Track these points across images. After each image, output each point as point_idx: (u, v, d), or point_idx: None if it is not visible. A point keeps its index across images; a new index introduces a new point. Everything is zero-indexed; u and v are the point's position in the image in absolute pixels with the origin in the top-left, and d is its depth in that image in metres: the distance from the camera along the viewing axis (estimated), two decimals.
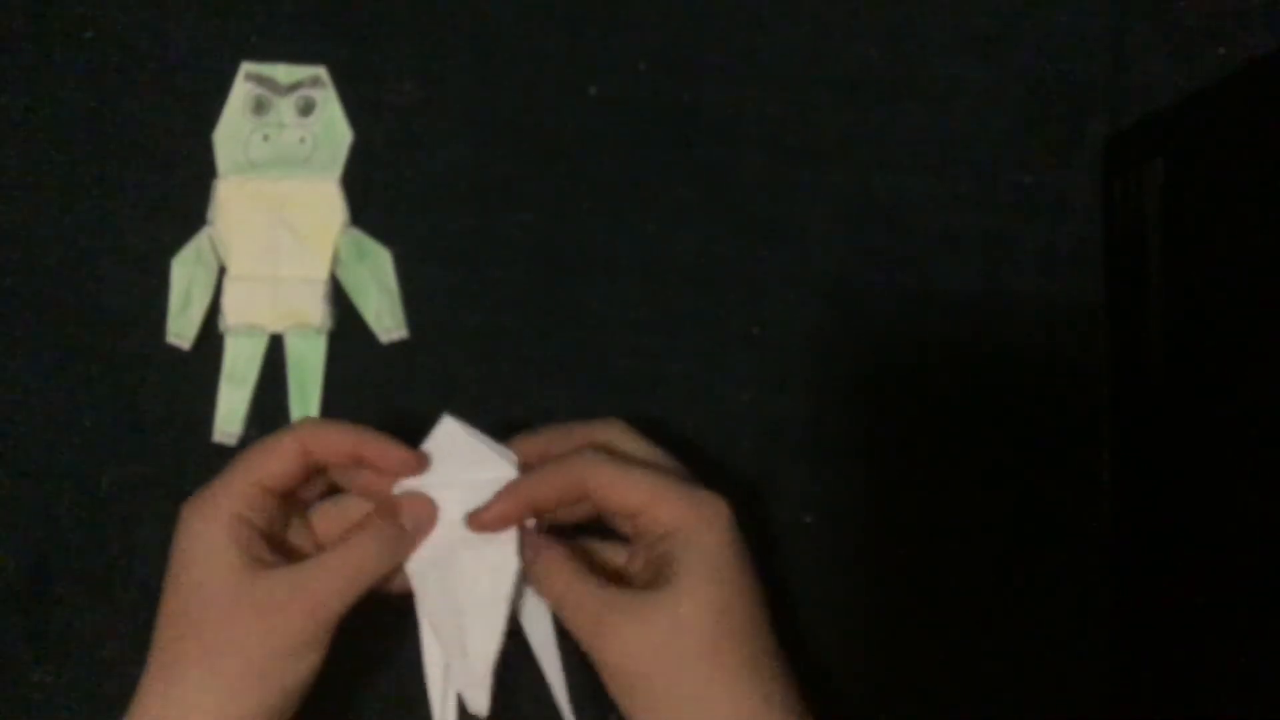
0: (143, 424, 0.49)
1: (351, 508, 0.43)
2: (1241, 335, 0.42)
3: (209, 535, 0.40)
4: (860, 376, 0.50)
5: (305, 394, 0.49)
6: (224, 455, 0.49)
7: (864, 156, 0.51)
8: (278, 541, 0.42)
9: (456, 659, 0.41)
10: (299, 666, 0.39)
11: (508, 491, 0.42)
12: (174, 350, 0.50)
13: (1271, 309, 0.40)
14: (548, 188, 0.51)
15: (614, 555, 0.44)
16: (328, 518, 0.44)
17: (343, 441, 0.41)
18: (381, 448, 0.41)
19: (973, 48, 0.52)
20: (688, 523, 0.40)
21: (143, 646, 0.48)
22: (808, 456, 0.50)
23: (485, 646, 0.41)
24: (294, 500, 0.43)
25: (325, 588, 0.39)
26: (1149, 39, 0.52)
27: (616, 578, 0.42)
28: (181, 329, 0.50)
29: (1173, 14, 0.52)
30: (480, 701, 0.41)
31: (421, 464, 0.42)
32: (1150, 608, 0.47)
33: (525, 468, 0.42)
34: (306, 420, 0.42)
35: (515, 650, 0.43)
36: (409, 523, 0.41)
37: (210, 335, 0.50)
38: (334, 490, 0.44)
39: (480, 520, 0.41)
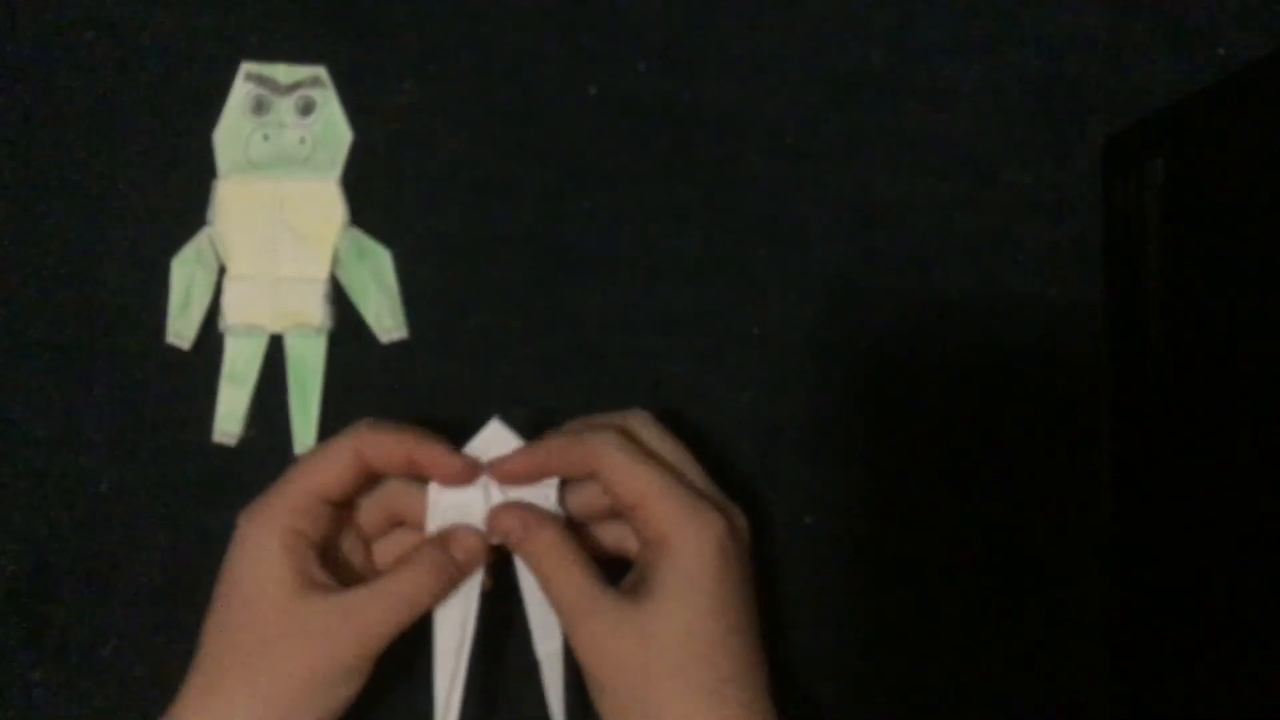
0: (143, 424, 0.49)
1: (405, 540, 0.44)
2: (1241, 335, 0.42)
3: (264, 550, 0.40)
4: (860, 376, 0.50)
5: (305, 394, 0.49)
6: (224, 455, 0.49)
7: (864, 156, 0.51)
8: (330, 553, 0.42)
9: (453, 664, 0.41)
10: (341, 692, 0.39)
11: (527, 451, 0.42)
12: (174, 350, 0.50)
13: (1271, 309, 0.40)
14: (547, 187, 0.51)
15: (608, 535, 0.44)
16: (386, 548, 0.44)
17: (398, 450, 0.41)
18: (435, 457, 0.41)
19: (973, 48, 0.52)
20: (674, 535, 0.39)
21: (143, 646, 0.48)
22: (808, 456, 0.50)
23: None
24: (355, 511, 0.43)
25: (375, 617, 0.39)
26: (1149, 39, 0.52)
27: (608, 553, 0.43)
28: (181, 329, 0.50)
29: (1173, 14, 0.52)
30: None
31: (474, 473, 0.42)
32: (1150, 608, 0.47)
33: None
34: (363, 425, 0.42)
35: (524, 663, 0.43)
36: (460, 554, 0.41)
37: (210, 335, 0.50)
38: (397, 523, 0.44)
39: (503, 470, 0.42)
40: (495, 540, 0.42)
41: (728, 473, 0.49)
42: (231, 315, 0.49)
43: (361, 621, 0.39)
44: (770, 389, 0.50)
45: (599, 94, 0.51)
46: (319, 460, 0.41)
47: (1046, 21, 0.52)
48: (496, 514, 0.42)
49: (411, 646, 0.42)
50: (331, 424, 0.49)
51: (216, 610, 0.40)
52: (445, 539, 0.42)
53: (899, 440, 0.50)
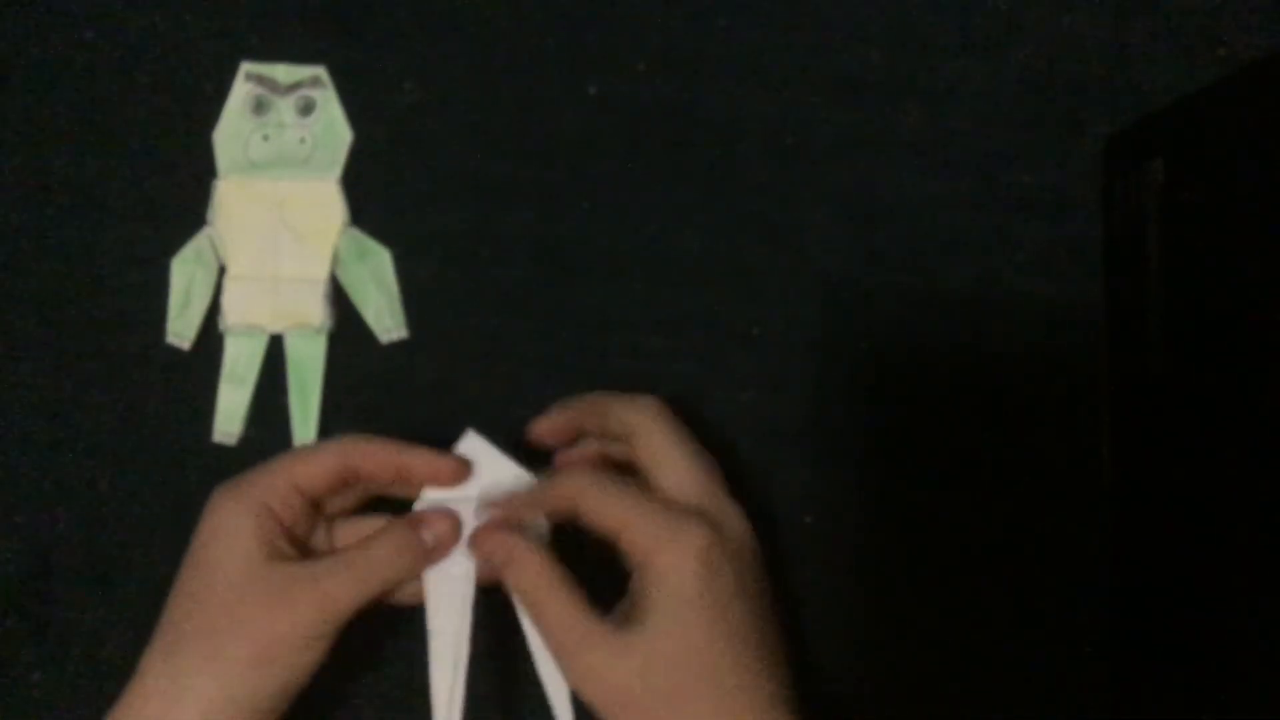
0: (143, 424, 0.49)
1: (372, 525, 0.43)
2: (1241, 335, 0.42)
3: (234, 518, 0.40)
4: (860, 376, 0.50)
5: (305, 394, 0.49)
6: (224, 455, 0.49)
7: (864, 156, 0.51)
8: (300, 543, 0.42)
9: (450, 671, 0.41)
10: (300, 660, 0.39)
11: (502, 509, 0.42)
12: (174, 350, 0.50)
13: (1271, 309, 0.40)
14: (548, 188, 0.51)
15: None
16: (350, 531, 0.44)
17: (385, 455, 0.42)
18: (425, 460, 0.42)
19: (973, 48, 0.52)
20: (655, 555, 0.39)
21: (143, 645, 0.48)
22: (808, 456, 0.50)
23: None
24: (323, 510, 0.43)
25: (337, 584, 0.40)
26: (1149, 39, 0.52)
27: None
28: (181, 329, 0.50)
29: (1173, 14, 0.52)
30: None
31: (466, 472, 0.42)
32: (1150, 607, 0.47)
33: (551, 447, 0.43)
34: (351, 434, 0.42)
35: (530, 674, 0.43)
36: (430, 537, 0.41)
37: (210, 335, 0.50)
38: (364, 508, 0.44)
39: (474, 541, 0.42)
40: (479, 560, 0.42)
41: (728, 473, 0.49)
42: (231, 315, 0.49)
43: (324, 588, 0.39)
44: (770, 389, 0.50)
45: (599, 94, 0.51)
46: (304, 455, 0.42)
47: (1046, 21, 0.52)
48: (479, 536, 0.42)
49: (394, 629, 0.42)
50: (331, 424, 0.49)
51: (181, 577, 0.40)
52: (416, 520, 0.42)
53: (899, 440, 0.50)
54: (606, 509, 0.40)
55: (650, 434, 0.42)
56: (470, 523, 0.42)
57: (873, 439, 0.50)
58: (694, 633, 0.38)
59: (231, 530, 0.40)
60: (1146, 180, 0.47)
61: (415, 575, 0.41)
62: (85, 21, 0.51)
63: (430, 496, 0.43)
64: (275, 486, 0.41)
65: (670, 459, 0.42)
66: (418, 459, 0.42)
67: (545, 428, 0.44)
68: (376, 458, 0.42)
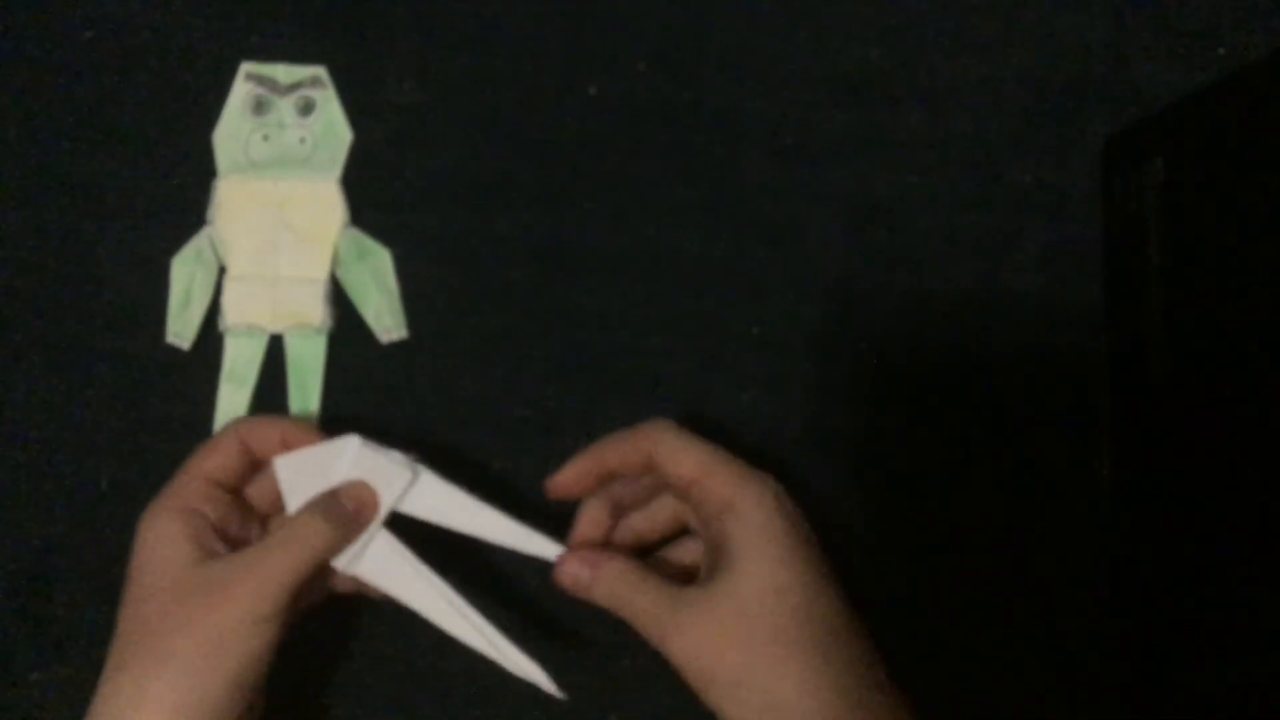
0: (143, 424, 0.49)
1: None
2: (1241, 335, 0.42)
3: (162, 526, 0.41)
4: (860, 376, 0.50)
5: (305, 394, 0.49)
6: None
7: (864, 156, 0.51)
8: (229, 534, 0.43)
9: (455, 616, 0.43)
10: (248, 647, 0.39)
11: (583, 452, 0.43)
12: (174, 350, 0.50)
13: (1271, 309, 0.40)
14: (547, 188, 0.51)
15: (683, 554, 0.45)
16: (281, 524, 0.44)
17: (273, 432, 0.43)
18: (306, 436, 0.43)
19: (973, 48, 0.52)
20: (737, 497, 0.40)
21: None
22: (808, 456, 0.49)
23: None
24: (250, 504, 0.44)
25: (270, 565, 0.40)
26: (1149, 39, 0.52)
27: (684, 577, 0.42)
28: (181, 329, 0.50)
29: (1172, 14, 0.52)
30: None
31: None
32: (1150, 607, 0.47)
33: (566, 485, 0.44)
34: (241, 417, 0.45)
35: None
36: (350, 503, 0.42)
37: (210, 335, 0.50)
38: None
39: (556, 484, 0.43)
40: (564, 587, 0.42)
41: None
42: (231, 315, 0.49)
43: (257, 572, 0.40)
44: (770, 389, 0.50)
45: (599, 94, 0.51)
46: (207, 447, 0.43)
47: (1046, 21, 0.52)
48: (562, 565, 0.42)
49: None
50: (332, 424, 0.49)
51: (125, 593, 0.41)
52: (332, 492, 0.43)
53: (899, 440, 0.50)
54: (685, 456, 0.42)
55: (674, 448, 0.42)
56: (340, 474, 0.43)
57: (873, 439, 0.50)
58: (780, 571, 0.39)
59: (163, 538, 0.41)
60: (1146, 180, 0.47)
61: (344, 544, 0.42)
62: (85, 21, 0.51)
63: (285, 475, 0.43)
64: (191, 485, 0.42)
65: (703, 462, 0.42)
66: (296, 435, 0.43)
67: (567, 478, 0.44)
68: (265, 433, 0.43)
